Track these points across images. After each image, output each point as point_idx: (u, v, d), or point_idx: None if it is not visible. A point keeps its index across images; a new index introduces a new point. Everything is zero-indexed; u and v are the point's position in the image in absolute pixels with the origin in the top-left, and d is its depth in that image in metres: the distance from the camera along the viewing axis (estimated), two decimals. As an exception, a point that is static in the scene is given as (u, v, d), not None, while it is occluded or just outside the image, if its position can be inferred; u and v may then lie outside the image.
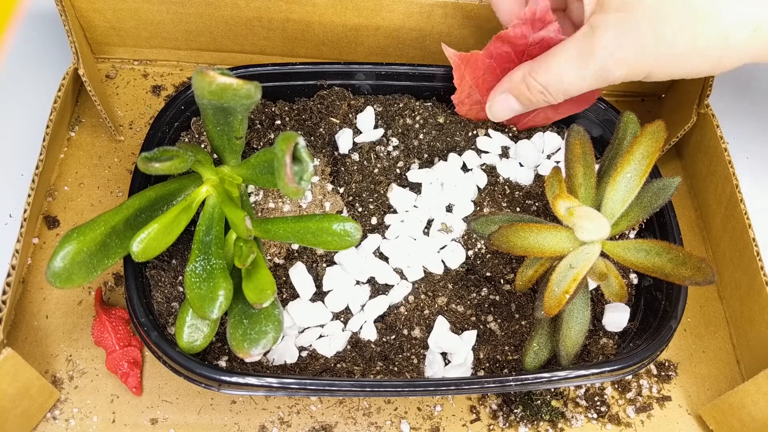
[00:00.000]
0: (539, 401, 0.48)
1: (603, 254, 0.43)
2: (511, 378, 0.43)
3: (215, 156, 0.46)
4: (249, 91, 0.37)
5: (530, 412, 0.48)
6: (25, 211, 0.47)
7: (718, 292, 0.55)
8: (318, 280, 0.48)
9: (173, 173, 0.41)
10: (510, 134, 0.55)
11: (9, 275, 0.43)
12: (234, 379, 0.41)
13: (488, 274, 0.49)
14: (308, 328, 0.47)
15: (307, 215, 0.44)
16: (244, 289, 0.40)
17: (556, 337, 0.44)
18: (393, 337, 0.47)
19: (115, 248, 0.41)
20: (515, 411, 0.48)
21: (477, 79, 0.53)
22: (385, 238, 0.50)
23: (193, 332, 0.42)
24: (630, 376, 0.50)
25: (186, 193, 0.44)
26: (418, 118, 0.54)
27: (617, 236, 0.48)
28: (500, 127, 0.55)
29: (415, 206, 0.51)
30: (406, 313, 0.47)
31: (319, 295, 0.48)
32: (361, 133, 0.54)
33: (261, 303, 0.39)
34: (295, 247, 0.49)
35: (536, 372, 0.44)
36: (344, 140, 0.52)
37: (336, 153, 0.53)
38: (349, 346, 0.46)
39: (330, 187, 0.51)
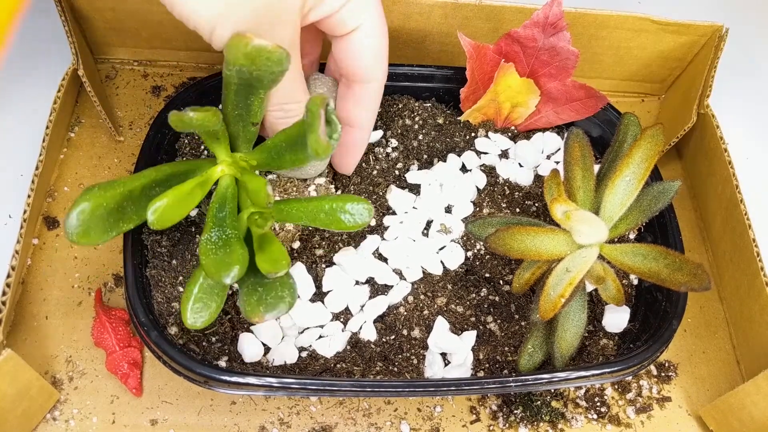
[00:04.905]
0: (539, 402, 0.48)
1: (601, 257, 0.43)
2: (511, 379, 0.43)
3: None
4: (281, 56, 0.37)
5: (530, 413, 0.48)
6: (24, 211, 0.47)
7: (719, 293, 0.55)
8: (318, 281, 0.48)
9: (203, 129, 0.40)
10: (509, 135, 0.55)
11: (9, 276, 0.43)
12: (234, 378, 0.41)
13: (487, 274, 0.49)
14: (308, 328, 0.47)
15: (321, 196, 0.44)
16: (258, 261, 0.40)
17: (551, 339, 0.44)
18: (393, 337, 0.47)
19: (130, 214, 0.40)
20: (515, 412, 0.48)
21: (483, 75, 0.53)
22: (384, 239, 0.50)
23: (199, 307, 0.41)
24: (630, 377, 0.50)
25: (200, 173, 0.44)
26: (417, 118, 0.54)
27: (616, 239, 0.48)
28: (499, 128, 0.55)
29: (414, 207, 0.51)
30: (405, 313, 0.47)
31: (319, 296, 0.48)
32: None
33: (276, 272, 0.39)
34: (296, 246, 0.49)
35: (536, 373, 0.44)
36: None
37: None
38: (348, 347, 0.46)
39: (333, 188, 0.51)
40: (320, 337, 0.47)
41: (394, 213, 0.51)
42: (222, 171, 0.43)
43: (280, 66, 0.38)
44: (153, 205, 0.38)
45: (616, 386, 0.50)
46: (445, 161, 0.53)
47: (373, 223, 0.50)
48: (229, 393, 0.44)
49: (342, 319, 0.47)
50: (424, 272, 0.49)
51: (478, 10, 0.55)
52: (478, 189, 0.52)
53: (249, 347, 0.45)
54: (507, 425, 0.48)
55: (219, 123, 0.39)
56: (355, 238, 0.49)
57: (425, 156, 0.54)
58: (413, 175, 0.52)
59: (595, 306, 0.49)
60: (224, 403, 0.47)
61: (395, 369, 0.45)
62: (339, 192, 0.51)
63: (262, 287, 0.41)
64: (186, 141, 0.52)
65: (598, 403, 0.49)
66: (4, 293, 0.43)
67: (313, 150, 0.37)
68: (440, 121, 0.55)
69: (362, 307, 0.48)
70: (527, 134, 0.56)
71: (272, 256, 0.40)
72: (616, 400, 0.50)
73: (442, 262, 0.49)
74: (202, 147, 0.51)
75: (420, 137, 0.54)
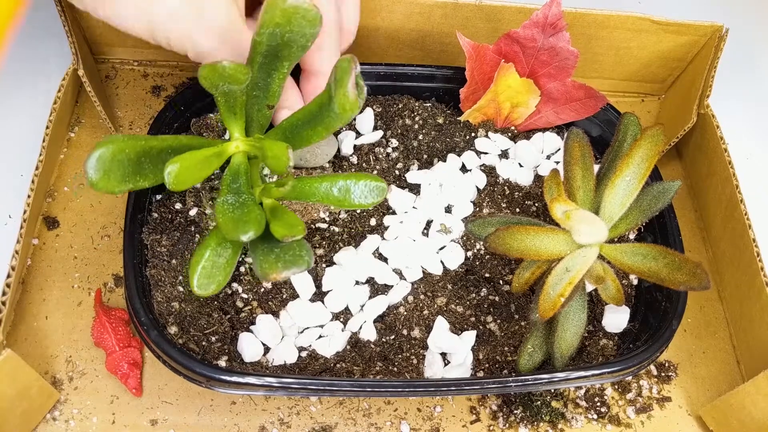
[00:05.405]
0: (539, 402, 0.48)
1: (601, 257, 0.43)
2: (511, 379, 0.43)
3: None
4: (316, 16, 0.38)
5: (530, 413, 0.48)
6: (24, 211, 0.47)
7: (719, 293, 0.55)
8: (317, 280, 0.48)
9: (235, 82, 0.39)
10: (509, 135, 0.55)
11: (9, 276, 0.43)
12: (234, 378, 0.41)
13: (487, 274, 0.49)
14: (308, 328, 0.47)
15: (335, 173, 0.44)
16: (273, 228, 0.39)
17: (550, 339, 0.44)
18: (392, 337, 0.47)
19: (147, 171, 0.40)
20: (515, 412, 0.48)
21: (483, 75, 0.53)
22: (384, 239, 0.50)
23: (208, 273, 0.40)
24: (630, 377, 0.50)
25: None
26: (417, 118, 0.54)
27: (616, 239, 0.48)
28: (499, 128, 0.55)
29: (414, 207, 0.51)
30: (405, 313, 0.47)
31: (319, 296, 0.48)
32: (361, 135, 0.54)
33: (292, 236, 0.38)
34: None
35: (536, 373, 0.44)
36: (347, 143, 0.52)
37: (337, 154, 0.53)
38: (348, 347, 0.46)
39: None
40: (320, 336, 0.47)
41: (394, 213, 0.51)
42: (237, 147, 0.43)
43: (313, 27, 0.38)
44: (171, 165, 0.38)
45: (616, 386, 0.50)
46: (445, 161, 0.53)
47: (373, 222, 0.50)
48: (229, 393, 0.44)
49: (342, 319, 0.47)
50: (424, 272, 0.49)
51: (478, 10, 0.56)
52: (478, 189, 0.52)
53: (249, 347, 0.45)
54: (507, 425, 0.48)
55: (247, 80, 0.39)
56: (355, 238, 0.49)
57: (425, 156, 0.54)
58: (413, 175, 0.52)
59: (595, 306, 0.49)
60: (224, 403, 0.47)
61: (395, 369, 0.45)
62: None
63: (279, 248, 0.40)
64: (186, 141, 0.52)
65: (598, 403, 0.49)
66: (4, 293, 0.43)
67: (339, 106, 0.37)
68: (440, 121, 0.55)
69: (362, 306, 0.48)
70: (527, 134, 0.56)
71: (287, 222, 0.39)
72: (616, 400, 0.50)
73: (442, 262, 0.49)
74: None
75: (420, 137, 0.54)
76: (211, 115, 0.51)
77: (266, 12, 0.37)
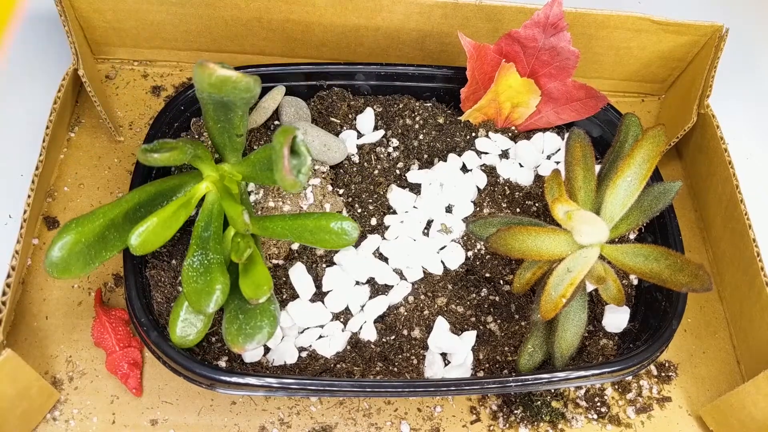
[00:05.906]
0: (539, 402, 0.48)
1: (602, 257, 0.43)
2: (511, 378, 0.43)
3: (216, 155, 0.46)
4: (248, 84, 0.37)
5: (530, 413, 0.48)
6: (24, 211, 0.47)
7: (719, 293, 0.55)
8: (318, 281, 0.48)
9: (172, 165, 0.40)
10: (509, 135, 0.55)
11: (9, 276, 0.43)
12: (234, 379, 0.41)
13: (488, 274, 0.49)
14: (308, 328, 0.47)
15: (305, 213, 0.44)
16: (241, 285, 0.40)
17: (551, 339, 0.44)
18: (393, 337, 0.47)
19: (113, 241, 0.40)
20: (515, 412, 0.48)
21: (484, 75, 0.53)
22: (384, 238, 0.50)
23: (186, 327, 0.41)
24: (630, 377, 0.50)
25: (186, 189, 0.44)
26: (417, 118, 0.54)
27: (617, 239, 0.48)
28: (500, 128, 0.55)
29: (414, 207, 0.51)
30: (405, 313, 0.47)
31: (319, 296, 0.48)
32: (362, 135, 0.54)
33: (257, 299, 0.39)
34: (295, 247, 0.49)
35: (536, 373, 0.44)
36: (350, 143, 0.52)
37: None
38: (348, 347, 0.46)
39: (330, 188, 0.51)
40: (320, 337, 0.47)
41: (394, 212, 0.51)
42: (207, 188, 0.43)
43: (249, 92, 0.38)
44: (135, 231, 0.39)
45: (616, 386, 0.50)
46: (445, 161, 0.53)
47: (373, 222, 0.50)
48: (229, 393, 0.44)
49: (342, 319, 0.47)
50: (424, 272, 0.49)
51: (478, 10, 0.55)
52: (478, 189, 0.52)
53: (249, 347, 0.45)
54: (507, 425, 0.48)
55: (187, 157, 0.40)
56: (355, 238, 0.49)
57: (426, 156, 0.54)
58: (414, 175, 0.52)
59: (595, 306, 0.49)
60: (224, 403, 0.47)
61: (395, 369, 0.45)
62: (341, 191, 0.51)
63: (243, 314, 0.41)
64: (186, 141, 0.52)
65: (598, 403, 0.49)
66: (4, 293, 0.43)
67: (281, 185, 0.37)
68: (441, 120, 0.55)
69: (362, 307, 0.48)
70: (527, 134, 0.56)
71: (255, 280, 0.40)
72: (616, 400, 0.50)
73: (442, 261, 0.49)
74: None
75: (421, 137, 0.54)
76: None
77: (196, 81, 0.37)
